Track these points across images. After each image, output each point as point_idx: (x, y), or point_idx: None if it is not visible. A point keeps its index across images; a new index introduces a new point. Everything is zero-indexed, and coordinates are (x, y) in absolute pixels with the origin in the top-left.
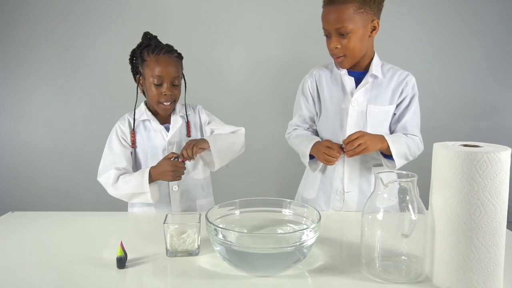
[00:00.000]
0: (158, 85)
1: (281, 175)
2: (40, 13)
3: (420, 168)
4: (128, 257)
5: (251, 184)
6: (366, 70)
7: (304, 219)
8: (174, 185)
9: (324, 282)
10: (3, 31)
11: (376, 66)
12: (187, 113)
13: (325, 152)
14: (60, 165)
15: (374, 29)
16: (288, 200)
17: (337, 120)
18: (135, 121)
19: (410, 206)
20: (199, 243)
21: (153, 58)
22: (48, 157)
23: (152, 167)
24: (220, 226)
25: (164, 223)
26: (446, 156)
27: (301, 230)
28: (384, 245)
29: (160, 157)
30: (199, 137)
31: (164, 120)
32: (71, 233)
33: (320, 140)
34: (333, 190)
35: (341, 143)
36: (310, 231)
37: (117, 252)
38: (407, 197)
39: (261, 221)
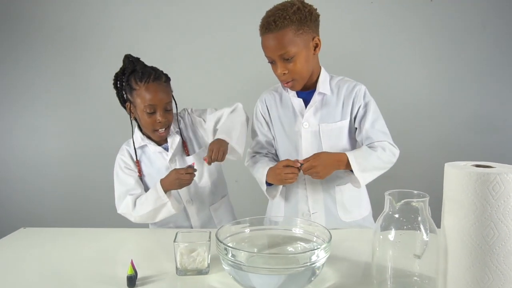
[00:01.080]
0: (151, 113)
1: None
2: (46, 24)
3: (430, 185)
4: (138, 276)
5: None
6: (314, 88)
7: (315, 237)
8: (188, 199)
9: None
10: (9, 40)
11: (323, 83)
12: (180, 127)
13: (282, 171)
14: (71, 180)
15: (316, 46)
16: (299, 219)
17: (291, 143)
18: (135, 150)
19: (421, 226)
20: (209, 262)
21: (142, 86)
22: (55, 170)
23: (161, 179)
24: (230, 245)
25: (174, 241)
26: (458, 176)
27: (311, 250)
28: (396, 265)
29: (163, 174)
30: (196, 141)
31: (162, 139)
32: (82, 250)
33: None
34: (299, 212)
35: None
36: (321, 251)
37: (128, 271)
38: (419, 218)
39: (271, 239)
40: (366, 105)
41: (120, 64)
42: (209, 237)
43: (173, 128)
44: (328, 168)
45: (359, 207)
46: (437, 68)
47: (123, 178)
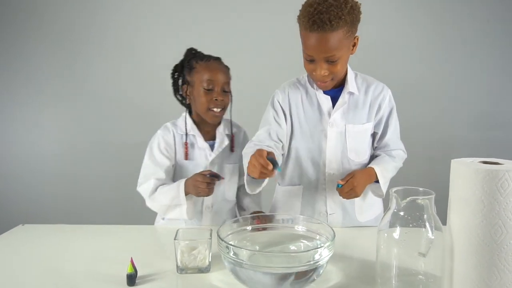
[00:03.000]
0: (209, 90)
1: None
2: (45, 19)
3: (434, 183)
4: (138, 274)
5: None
6: (340, 86)
7: (318, 235)
8: (209, 205)
9: None
10: (7, 35)
11: (351, 82)
12: (233, 131)
13: (253, 162)
14: (70, 177)
15: (354, 45)
16: (301, 216)
17: (315, 142)
18: (181, 134)
19: (427, 224)
20: (210, 260)
21: (203, 64)
22: (52, 166)
23: (186, 179)
24: (232, 243)
25: (175, 239)
26: (465, 173)
27: (315, 248)
28: (400, 264)
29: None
30: (237, 156)
31: (209, 135)
32: (81, 248)
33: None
34: (316, 212)
35: (337, 183)
36: (324, 249)
37: (127, 269)
38: (424, 215)
39: (274, 237)
40: (390, 111)
41: (119, 60)
42: (210, 235)
43: (223, 128)
44: (364, 186)
45: (373, 207)
46: (441, 65)
47: (158, 158)
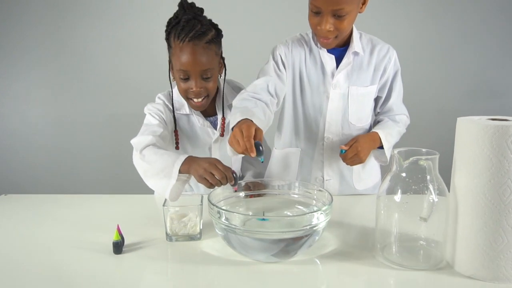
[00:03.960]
0: (185, 79)
1: None
2: (40, 7)
3: (437, 148)
4: (126, 242)
5: None
6: (344, 45)
7: (314, 201)
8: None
9: (335, 268)
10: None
11: (356, 41)
12: (227, 99)
13: (237, 136)
14: (56, 146)
15: (364, 3)
16: (296, 181)
17: (315, 103)
18: (175, 114)
19: (430, 187)
20: (201, 227)
21: (178, 45)
22: (43, 139)
23: (192, 157)
24: (224, 208)
25: (163, 205)
26: (472, 131)
27: (311, 212)
28: (401, 229)
29: (206, 154)
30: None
31: (209, 110)
32: (66, 217)
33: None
34: (312, 178)
35: (340, 148)
36: (321, 213)
37: (113, 237)
38: (427, 177)
39: (268, 203)
40: (395, 74)
41: (111, 29)
42: (201, 201)
43: (225, 99)
44: (368, 151)
45: (370, 174)
46: (437, 35)
47: (153, 121)
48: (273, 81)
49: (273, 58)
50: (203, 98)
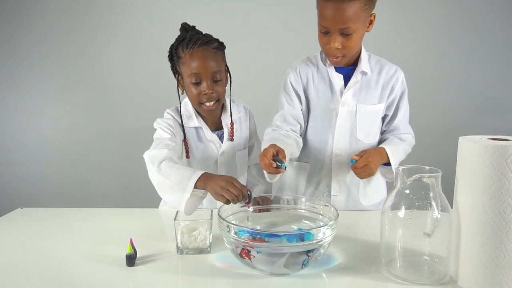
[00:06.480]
0: (197, 84)
1: None
2: (51, 6)
3: (441, 166)
4: (138, 255)
5: None
6: (353, 65)
7: (320, 216)
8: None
9: (341, 282)
10: (10, 23)
11: (365, 62)
12: (232, 112)
13: (260, 160)
14: (69, 161)
15: (371, 23)
16: (303, 197)
17: (325, 121)
18: (184, 127)
19: (433, 203)
20: (210, 241)
21: (187, 53)
22: (56, 153)
23: (209, 174)
24: (233, 223)
25: (174, 219)
26: (473, 150)
27: (317, 227)
28: (405, 244)
29: (211, 170)
30: (242, 142)
31: (216, 124)
32: (79, 230)
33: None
34: (319, 192)
35: (350, 158)
36: (327, 228)
37: (127, 249)
38: (431, 194)
39: (275, 217)
40: (402, 94)
41: (125, 46)
42: (211, 215)
43: (229, 112)
44: (378, 164)
45: (377, 191)
46: (446, 49)
47: (164, 135)
48: (288, 112)
49: (284, 88)
50: (214, 102)
